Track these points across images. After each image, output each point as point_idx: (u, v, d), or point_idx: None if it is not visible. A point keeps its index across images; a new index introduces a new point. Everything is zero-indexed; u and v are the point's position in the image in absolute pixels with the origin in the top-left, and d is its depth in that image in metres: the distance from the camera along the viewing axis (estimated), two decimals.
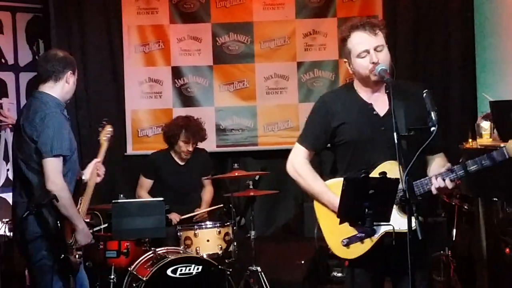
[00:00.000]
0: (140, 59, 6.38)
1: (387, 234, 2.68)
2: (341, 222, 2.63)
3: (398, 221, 2.64)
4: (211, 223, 4.91)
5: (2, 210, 5.14)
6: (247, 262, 4.94)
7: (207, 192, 5.54)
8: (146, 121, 6.42)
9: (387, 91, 2.65)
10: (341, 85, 3.15)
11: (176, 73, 6.41)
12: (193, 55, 6.41)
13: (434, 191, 2.69)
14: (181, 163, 5.36)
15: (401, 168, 2.49)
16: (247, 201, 5.06)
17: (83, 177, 3.74)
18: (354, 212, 2.54)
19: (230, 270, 4.60)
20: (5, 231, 5.10)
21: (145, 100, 6.40)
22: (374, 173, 2.68)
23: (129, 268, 4.54)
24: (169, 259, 4.36)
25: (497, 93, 5.28)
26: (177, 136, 5.22)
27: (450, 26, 6.26)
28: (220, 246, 4.78)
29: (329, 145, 2.96)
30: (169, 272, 4.32)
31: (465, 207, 4.69)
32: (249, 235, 4.97)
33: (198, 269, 4.37)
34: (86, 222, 3.67)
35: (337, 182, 2.73)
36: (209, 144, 5.96)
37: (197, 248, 4.73)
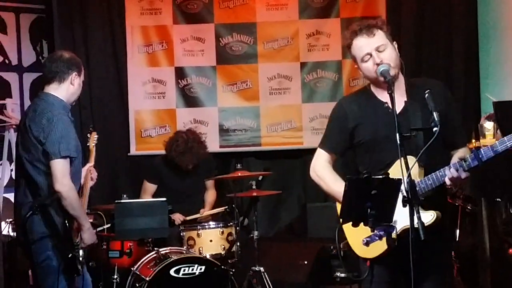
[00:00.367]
0: (143, 60, 6.39)
1: (404, 232, 2.64)
2: (344, 223, 2.63)
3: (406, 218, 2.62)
4: (214, 223, 4.91)
5: (6, 210, 5.15)
6: (250, 262, 4.94)
7: (210, 194, 5.55)
8: (149, 121, 6.42)
9: (389, 92, 2.64)
10: (358, 89, 3.16)
11: (180, 73, 6.41)
12: (196, 56, 6.41)
13: (447, 182, 2.67)
14: (185, 170, 5.36)
15: (403, 167, 2.48)
16: (250, 202, 5.05)
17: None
18: (357, 213, 2.53)
19: (233, 270, 4.60)
20: (8, 231, 5.11)
21: (149, 101, 6.40)
22: (392, 171, 2.69)
23: (132, 268, 4.54)
24: (172, 259, 4.36)
25: (500, 93, 5.27)
26: (177, 158, 5.22)
27: (453, 27, 6.25)
28: (223, 247, 4.78)
29: (349, 147, 2.98)
30: (172, 272, 4.33)
31: (469, 207, 4.68)
32: (252, 235, 4.97)
33: (201, 269, 4.37)
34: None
35: None
36: (212, 145, 5.97)
37: (200, 248, 4.74)
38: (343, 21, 6.30)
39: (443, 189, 2.80)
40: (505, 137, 2.59)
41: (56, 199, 3.35)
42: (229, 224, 4.87)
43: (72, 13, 6.26)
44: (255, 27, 6.41)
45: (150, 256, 4.57)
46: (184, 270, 4.34)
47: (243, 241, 5.02)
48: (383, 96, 2.86)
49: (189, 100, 6.42)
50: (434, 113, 2.53)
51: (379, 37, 2.80)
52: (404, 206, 2.47)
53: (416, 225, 2.43)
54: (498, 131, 4.13)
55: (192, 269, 4.36)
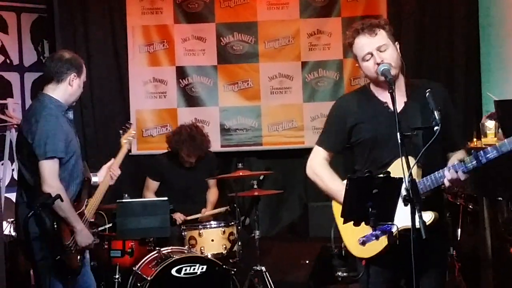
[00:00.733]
0: (144, 59, 6.40)
1: (404, 231, 2.65)
2: (345, 222, 2.62)
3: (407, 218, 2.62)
4: (215, 223, 4.91)
5: (8, 210, 5.15)
6: (252, 262, 4.94)
7: (212, 193, 5.55)
8: (150, 121, 6.43)
9: (389, 91, 2.64)
10: (357, 88, 3.15)
11: (181, 73, 6.41)
12: (197, 55, 6.42)
13: (446, 183, 2.67)
14: (187, 165, 5.37)
15: (404, 167, 2.48)
16: (251, 201, 5.06)
17: (95, 179, 3.75)
18: (358, 212, 2.53)
19: (235, 270, 4.60)
20: (10, 231, 5.12)
21: (150, 100, 6.41)
22: (390, 170, 2.66)
23: (133, 268, 4.54)
24: (173, 259, 4.36)
25: (502, 92, 5.27)
26: (179, 149, 5.22)
27: (454, 25, 6.25)
28: (224, 246, 4.78)
29: (347, 145, 2.97)
30: (173, 271, 4.32)
31: (470, 206, 4.67)
32: (253, 235, 4.97)
33: (202, 269, 4.37)
34: (91, 222, 3.67)
35: None
36: (214, 144, 5.96)
37: (202, 248, 4.73)
38: (344, 20, 6.30)
39: (440, 189, 2.80)
40: (505, 140, 2.59)
41: (56, 198, 3.34)
42: (230, 224, 4.87)
43: (73, 13, 6.27)
44: (256, 26, 6.42)
45: (151, 255, 4.57)
46: (185, 270, 4.34)
47: (244, 240, 5.02)
48: (382, 96, 2.86)
49: (190, 99, 6.43)
50: (435, 112, 2.53)
51: (381, 37, 2.80)
52: (406, 205, 2.47)
53: (417, 225, 2.43)
54: (500, 130, 4.12)
55: (194, 269, 4.36)
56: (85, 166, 3.67)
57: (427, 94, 2.60)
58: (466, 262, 4.72)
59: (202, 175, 5.41)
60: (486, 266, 4.26)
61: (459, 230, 4.79)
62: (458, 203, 4.71)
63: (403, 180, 2.48)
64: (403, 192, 2.49)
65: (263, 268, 4.88)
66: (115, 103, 6.41)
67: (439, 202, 2.88)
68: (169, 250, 4.61)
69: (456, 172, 2.64)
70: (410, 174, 2.47)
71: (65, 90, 3.53)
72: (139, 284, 4.36)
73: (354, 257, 2.90)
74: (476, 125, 4.56)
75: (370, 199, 2.48)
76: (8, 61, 6.06)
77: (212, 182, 5.53)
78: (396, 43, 2.85)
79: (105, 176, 3.77)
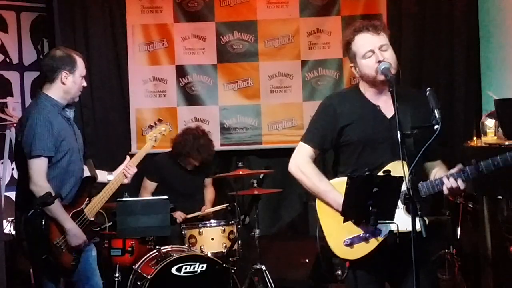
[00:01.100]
0: (144, 58, 6.39)
1: (391, 234, 2.66)
2: (345, 221, 2.63)
3: (404, 221, 2.63)
4: (215, 221, 4.92)
5: (8, 209, 5.15)
6: (252, 260, 4.94)
7: (209, 192, 5.56)
8: (150, 120, 6.38)
9: (390, 90, 2.64)
10: (347, 87, 3.14)
11: (180, 71, 6.41)
12: (197, 54, 6.41)
13: (445, 191, 2.67)
14: (190, 168, 5.37)
15: (405, 167, 2.48)
16: (251, 200, 5.06)
17: (110, 177, 3.74)
18: (358, 210, 2.54)
19: (235, 268, 4.61)
20: (10, 230, 5.12)
21: (150, 99, 6.40)
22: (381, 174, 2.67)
23: (133, 267, 4.55)
24: (173, 258, 4.36)
25: (502, 91, 5.26)
26: (188, 154, 5.23)
27: (455, 24, 6.24)
28: (224, 245, 4.79)
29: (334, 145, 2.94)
30: (173, 270, 4.33)
31: (470, 205, 4.68)
32: (253, 233, 4.98)
33: (202, 267, 4.38)
34: (91, 221, 3.66)
35: (342, 182, 2.71)
36: (214, 143, 5.95)
37: (202, 247, 4.74)
38: (344, 19, 6.30)
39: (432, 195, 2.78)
40: (507, 153, 2.59)
41: (56, 197, 3.33)
42: (230, 222, 4.88)
43: (73, 12, 6.26)
44: (256, 25, 6.41)
45: (151, 254, 4.57)
46: (185, 268, 4.35)
47: (244, 239, 5.03)
48: (375, 99, 2.85)
49: (190, 98, 6.42)
50: (435, 110, 2.53)
51: (383, 37, 2.81)
52: (406, 204, 2.47)
53: (418, 227, 2.44)
54: (500, 128, 4.13)
55: (194, 268, 4.36)
56: (90, 165, 3.64)
57: (428, 92, 2.60)
58: (466, 261, 4.73)
59: (200, 176, 5.43)
60: (486, 265, 4.27)
61: (459, 229, 4.79)
62: (458, 202, 4.72)
63: (403, 179, 2.49)
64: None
65: (263, 267, 4.89)
66: (114, 102, 6.40)
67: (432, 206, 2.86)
68: (169, 249, 4.62)
69: (456, 180, 2.64)
70: (411, 173, 2.48)
71: (59, 88, 3.51)
72: (139, 283, 4.37)
73: (337, 257, 2.85)
74: (476, 124, 4.56)
75: (371, 198, 2.49)
76: (7, 60, 6.06)
77: (208, 181, 5.55)
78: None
79: (118, 174, 3.77)
